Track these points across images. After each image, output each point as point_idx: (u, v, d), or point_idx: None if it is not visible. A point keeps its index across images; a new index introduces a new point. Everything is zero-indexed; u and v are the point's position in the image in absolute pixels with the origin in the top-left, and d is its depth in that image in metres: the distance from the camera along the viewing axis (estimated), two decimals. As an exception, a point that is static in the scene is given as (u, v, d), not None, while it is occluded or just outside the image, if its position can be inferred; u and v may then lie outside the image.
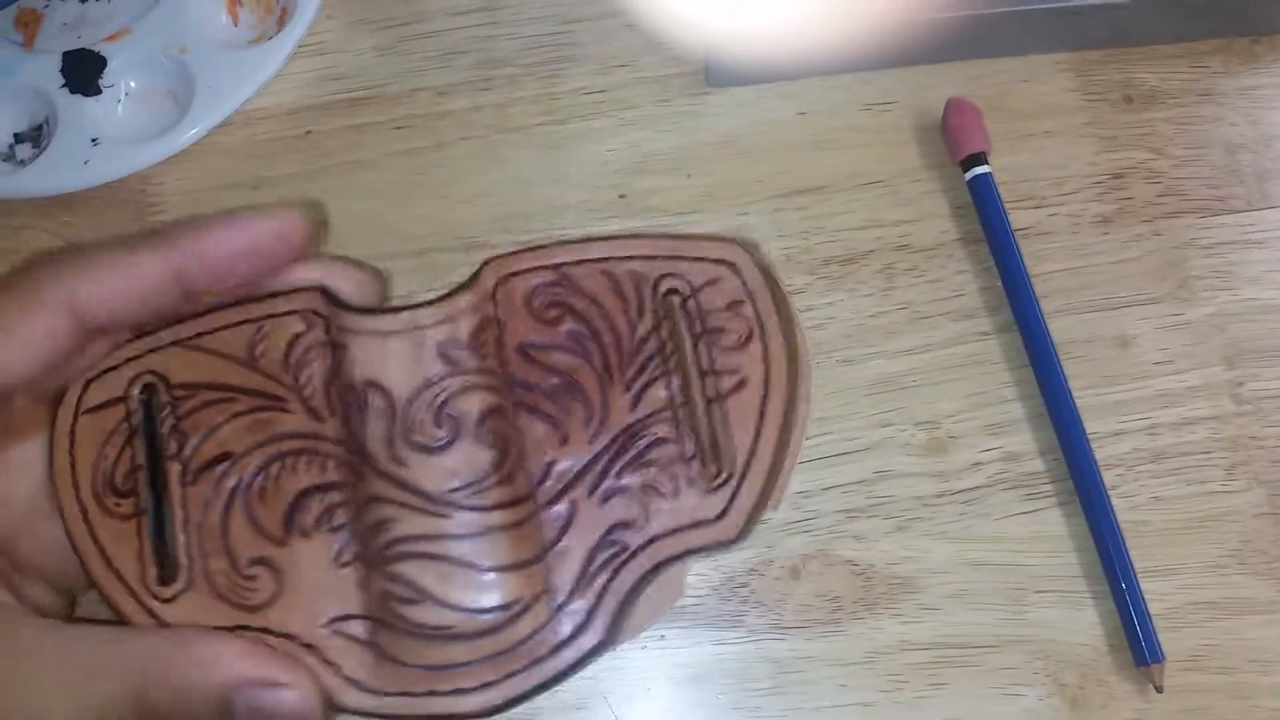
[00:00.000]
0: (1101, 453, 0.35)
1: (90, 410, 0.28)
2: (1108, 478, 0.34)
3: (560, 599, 0.27)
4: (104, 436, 0.27)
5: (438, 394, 0.27)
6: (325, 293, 0.28)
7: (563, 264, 0.28)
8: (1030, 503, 0.35)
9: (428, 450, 0.27)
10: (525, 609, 0.27)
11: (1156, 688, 0.32)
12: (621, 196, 0.38)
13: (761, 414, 0.28)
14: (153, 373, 0.28)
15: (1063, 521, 0.34)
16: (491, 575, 0.27)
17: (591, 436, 0.28)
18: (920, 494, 0.35)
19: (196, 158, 0.38)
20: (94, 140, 0.38)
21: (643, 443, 0.28)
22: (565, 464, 0.28)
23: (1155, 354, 0.36)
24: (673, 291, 0.29)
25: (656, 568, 0.28)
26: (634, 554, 0.27)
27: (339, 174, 0.38)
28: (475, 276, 0.28)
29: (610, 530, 0.28)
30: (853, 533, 0.34)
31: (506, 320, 0.28)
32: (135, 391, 0.28)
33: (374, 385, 0.27)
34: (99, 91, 0.38)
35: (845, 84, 0.39)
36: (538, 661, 0.27)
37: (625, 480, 0.28)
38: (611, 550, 0.27)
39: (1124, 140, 0.39)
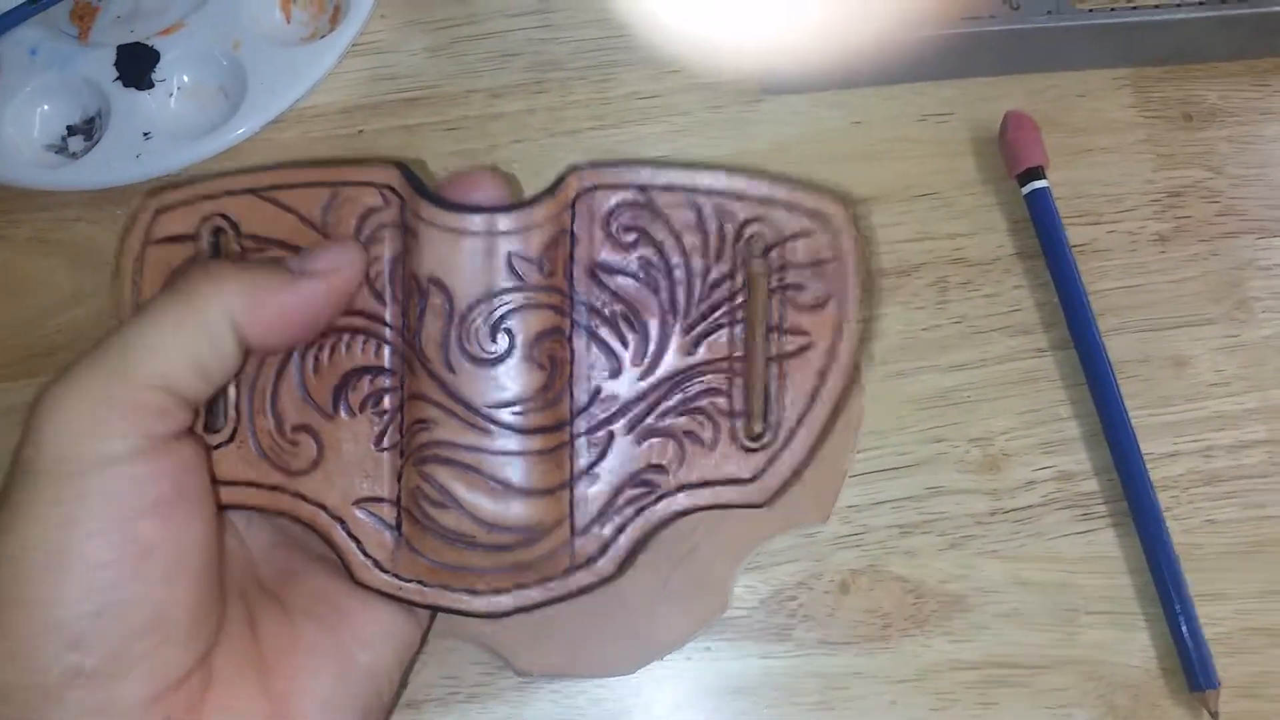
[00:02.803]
0: (1155, 474, 0.34)
1: (158, 242, 0.28)
2: (1161, 499, 0.34)
3: (581, 526, 0.28)
4: (169, 271, 0.27)
5: (498, 306, 0.27)
6: (405, 172, 0.28)
7: (649, 186, 0.27)
8: (1084, 523, 0.34)
9: (479, 361, 0.27)
10: (546, 532, 0.27)
11: (1212, 714, 0.32)
12: (672, 203, 0.38)
13: (819, 383, 0.27)
14: (224, 216, 0.28)
15: (1116, 543, 0.34)
16: (520, 496, 0.27)
17: (643, 373, 0.28)
18: (973, 511, 0.34)
19: (248, 154, 0.38)
20: (146, 134, 0.38)
21: (693, 389, 0.28)
22: (611, 395, 0.28)
23: (1211, 375, 0.36)
24: (757, 237, 0.28)
25: (679, 515, 0.28)
26: (660, 498, 0.28)
27: (390, 174, 0.38)
28: (559, 184, 0.27)
29: (642, 470, 0.28)
30: (904, 549, 0.34)
31: (581, 236, 0.27)
32: (206, 232, 0.28)
33: (438, 283, 0.27)
34: (152, 85, 0.38)
35: (901, 94, 0.39)
36: (549, 579, 0.27)
37: (667, 423, 0.28)
38: (639, 490, 0.28)
39: (1182, 158, 0.38)
